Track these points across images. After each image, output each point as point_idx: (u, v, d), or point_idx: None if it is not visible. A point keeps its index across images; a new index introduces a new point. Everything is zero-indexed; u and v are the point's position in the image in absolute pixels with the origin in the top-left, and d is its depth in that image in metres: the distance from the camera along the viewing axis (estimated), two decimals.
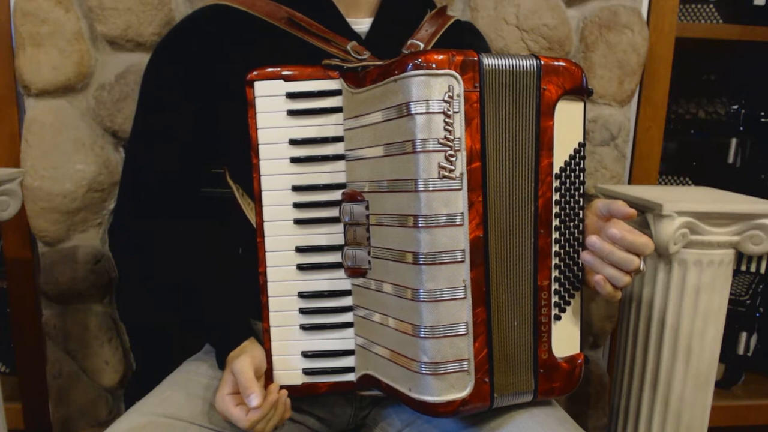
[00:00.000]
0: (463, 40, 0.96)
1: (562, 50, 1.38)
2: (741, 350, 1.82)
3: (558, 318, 0.75)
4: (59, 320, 1.36)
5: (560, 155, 0.73)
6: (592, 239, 0.72)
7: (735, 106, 1.95)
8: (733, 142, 1.96)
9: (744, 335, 1.82)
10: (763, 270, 1.81)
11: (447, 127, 0.66)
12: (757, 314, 1.82)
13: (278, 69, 0.77)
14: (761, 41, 1.63)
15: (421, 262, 0.67)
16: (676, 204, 1.10)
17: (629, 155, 1.52)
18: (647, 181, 1.54)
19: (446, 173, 0.66)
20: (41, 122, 1.28)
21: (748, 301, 1.81)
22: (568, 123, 0.73)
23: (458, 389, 0.69)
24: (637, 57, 1.40)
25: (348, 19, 0.86)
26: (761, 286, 1.83)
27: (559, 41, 1.37)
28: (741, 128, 1.94)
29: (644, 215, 1.15)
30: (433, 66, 0.65)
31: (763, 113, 1.93)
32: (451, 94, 0.66)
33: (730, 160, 1.97)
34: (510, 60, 0.69)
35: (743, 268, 1.83)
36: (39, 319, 1.41)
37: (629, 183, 1.54)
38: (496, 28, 1.34)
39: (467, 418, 0.78)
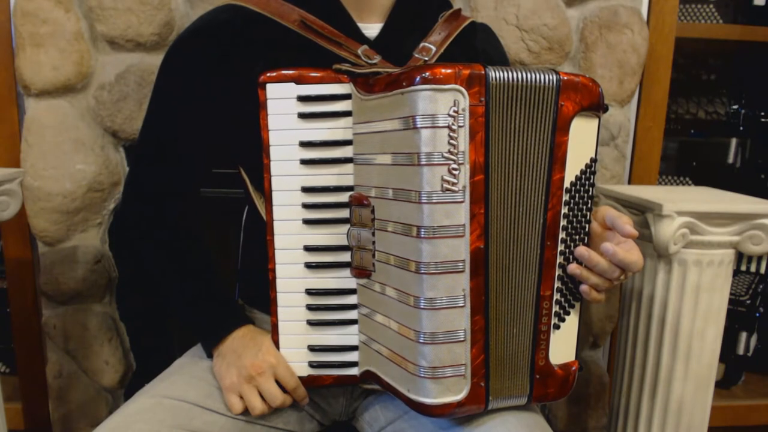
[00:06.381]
0: (476, 43, 0.96)
1: (562, 50, 1.38)
2: (741, 350, 1.82)
3: (557, 327, 0.76)
4: (59, 320, 1.37)
5: (572, 170, 0.73)
6: (580, 251, 0.74)
7: (735, 106, 1.95)
8: (733, 142, 1.97)
9: (744, 335, 1.82)
10: (763, 270, 1.81)
11: (451, 141, 0.66)
12: (757, 314, 1.82)
13: (290, 71, 0.77)
14: (761, 41, 1.63)
15: (422, 271, 0.68)
16: (676, 204, 1.10)
17: (629, 155, 1.52)
18: (647, 181, 1.54)
19: (449, 186, 0.67)
20: (41, 122, 1.28)
21: (748, 301, 1.81)
22: (582, 139, 0.73)
23: (454, 392, 0.70)
24: (637, 57, 1.40)
25: (359, 24, 0.86)
26: (761, 286, 1.84)
27: (559, 41, 1.37)
28: (741, 128, 1.95)
29: (644, 215, 1.15)
30: (440, 80, 0.66)
31: (763, 113, 1.93)
32: (456, 108, 0.66)
33: (730, 160, 1.98)
34: (524, 74, 0.69)
35: (743, 268, 1.83)
36: (39, 319, 1.41)
37: (629, 183, 1.54)
38: (496, 28, 1.33)
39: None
